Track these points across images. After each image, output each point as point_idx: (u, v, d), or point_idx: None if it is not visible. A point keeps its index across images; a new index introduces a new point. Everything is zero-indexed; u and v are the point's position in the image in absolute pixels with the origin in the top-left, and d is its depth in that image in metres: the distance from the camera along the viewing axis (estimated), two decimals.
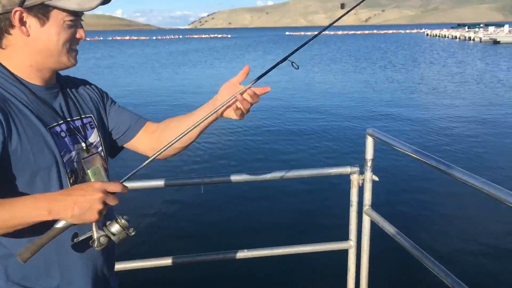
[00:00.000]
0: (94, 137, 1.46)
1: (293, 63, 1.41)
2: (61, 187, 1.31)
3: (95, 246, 1.25)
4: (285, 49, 63.82)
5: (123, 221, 1.25)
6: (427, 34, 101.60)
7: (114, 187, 1.18)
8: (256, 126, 12.88)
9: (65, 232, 1.22)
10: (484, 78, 24.30)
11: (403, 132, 11.90)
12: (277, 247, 2.66)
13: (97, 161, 1.43)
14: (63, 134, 1.36)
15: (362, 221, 2.70)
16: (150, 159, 1.32)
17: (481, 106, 16.17)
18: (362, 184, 2.59)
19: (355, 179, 2.58)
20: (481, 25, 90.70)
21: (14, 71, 1.32)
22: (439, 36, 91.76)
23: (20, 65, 1.32)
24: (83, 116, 1.46)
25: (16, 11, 1.25)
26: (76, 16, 1.33)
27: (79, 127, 1.43)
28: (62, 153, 1.33)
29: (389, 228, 2.47)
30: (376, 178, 2.58)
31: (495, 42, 58.77)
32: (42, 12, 1.27)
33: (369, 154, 2.58)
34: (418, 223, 6.41)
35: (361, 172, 2.58)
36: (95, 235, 1.25)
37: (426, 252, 2.18)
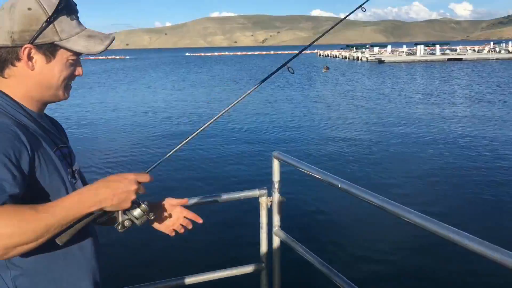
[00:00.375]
0: (76, 164, 1.53)
1: (290, 68, 1.79)
2: None
3: (119, 228, 1.34)
4: (187, 69, 63.66)
5: (143, 205, 1.36)
6: (320, 55, 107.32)
7: (144, 178, 1.32)
8: (160, 154, 12.66)
9: (72, 247, 1.34)
10: (373, 95, 26.25)
11: (307, 152, 12.39)
12: (187, 276, 2.57)
13: (81, 186, 1.49)
14: (61, 158, 1.42)
15: (272, 243, 2.74)
16: (171, 152, 1.53)
17: (372, 120, 17.40)
18: (271, 206, 2.63)
19: (263, 201, 2.61)
20: (367, 46, 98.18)
21: (18, 99, 1.37)
22: (330, 56, 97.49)
23: (21, 95, 1.37)
24: (66, 145, 1.52)
25: (26, 48, 1.31)
26: (79, 56, 1.42)
27: (68, 153, 1.49)
28: (67, 176, 1.40)
29: (298, 247, 2.53)
30: (284, 199, 2.64)
31: (380, 62, 63.82)
32: (50, 50, 1.34)
33: (276, 176, 2.64)
34: (325, 240, 6.69)
35: (269, 194, 2.63)
36: (120, 219, 1.34)
37: (333, 268, 2.27)
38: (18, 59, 1.33)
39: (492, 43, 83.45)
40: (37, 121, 1.39)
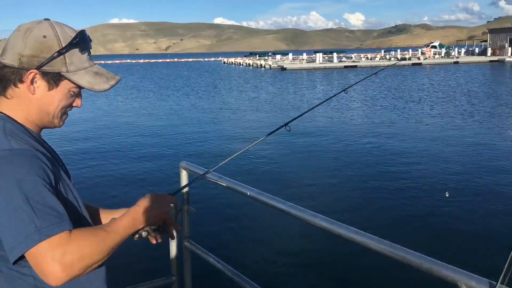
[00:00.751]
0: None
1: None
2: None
3: (135, 237, 1.47)
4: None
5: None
6: (224, 62, 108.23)
7: (176, 200, 1.56)
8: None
9: None
10: (277, 101, 27.03)
11: (215, 160, 12.40)
12: None
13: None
14: (67, 174, 1.48)
15: (183, 254, 2.71)
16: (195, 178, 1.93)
17: (276, 126, 17.87)
18: (180, 217, 2.59)
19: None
20: (270, 54, 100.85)
21: (21, 122, 1.38)
22: (234, 63, 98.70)
23: (24, 118, 1.39)
24: (62, 162, 1.54)
25: (31, 72, 1.34)
26: (82, 89, 1.44)
27: (66, 170, 1.52)
28: (76, 191, 1.46)
29: (208, 257, 2.52)
30: (193, 210, 2.62)
31: (283, 69, 65.85)
32: (54, 79, 1.37)
33: (184, 187, 2.61)
34: (236, 248, 6.73)
35: (178, 206, 2.59)
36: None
37: (245, 275, 2.29)
38: (21, 81, 1.35)
39: (383, 51, 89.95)
40: (41, 143, 1.42)
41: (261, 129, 17.61)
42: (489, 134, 15.14)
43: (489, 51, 77.27)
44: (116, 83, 1.47)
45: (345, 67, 66.75)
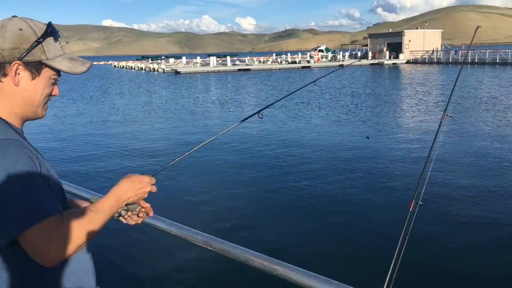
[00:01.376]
0: None
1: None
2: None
3: (115, 216, 1.53)
4: None
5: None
6: (115, 66, 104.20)
7: (154, 180, 1.58)
8: None
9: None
10: (170, 106, 26.49)
11: (99, 171, 11.67)
12: None
13: None
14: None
15: None
16: (175, 160, 1.93)
17: (170, 131, 17.46)
18: None
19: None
20: (163, 57, 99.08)
21: (3, 117, 1.43)
22: (126, 67, 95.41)
23: (6, 112, 1.44)
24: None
25: (15, 64, 1.40)
26: (60, 75, 1.52)
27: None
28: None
29: None
30: None
31: (177, 72, 64.96)
32: (36, 68, 1.44)
33: None
34: (127, 274, 6.29)
35: None
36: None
37: None
38: (5, 75, 1.41)
39: (274, 54, 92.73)
40: (24, 137, 1.48)
41: (153, 135, 17.06)
42: (373, 132, 16.14)
43: (370, 54, 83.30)
44: (90, 67, 1.55)
45: (239, 70, 67.72)
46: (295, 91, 3.45)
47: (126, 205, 1.52)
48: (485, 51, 68.16)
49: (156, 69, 74.39)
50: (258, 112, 2.55)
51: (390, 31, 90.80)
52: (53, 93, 1.54)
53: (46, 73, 1.46)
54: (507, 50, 64.27)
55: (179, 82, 47.49)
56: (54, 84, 1.52)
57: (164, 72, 69.01)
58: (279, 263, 1.65)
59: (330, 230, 7.49)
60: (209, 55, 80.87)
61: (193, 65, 76.05)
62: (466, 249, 6.59)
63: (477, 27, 4.72)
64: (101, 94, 35.91)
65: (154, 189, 1.57)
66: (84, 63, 1.54)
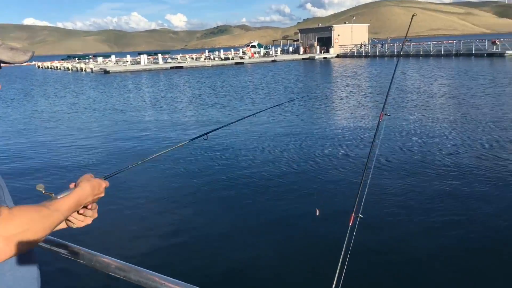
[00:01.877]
0: None
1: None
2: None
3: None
4: None
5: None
6: (39, 67, 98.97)
7: (108, 184, 1.56)
8: None
9: (19, 258, 1.35)
10: (99, 106, 25.35)
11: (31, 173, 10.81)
12: None
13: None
14: None
15: None
16: (128, 167, 1.85)
17: (98, 133, 16.63)
18: None
19: None
20: (91, 56, 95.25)
21: None
22: (51, 68, 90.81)
23: None
24: None
25: None
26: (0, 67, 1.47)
27: None
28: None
29: None
30: None
31: (106, 72, 62.61)
32: None
33: None
34: None
35: None
36: None
37: None
38: None
39: (207, 51, 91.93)
40: None
41: (82, 138, 16.17)
42: (307, 126, 16.23)
43: (301, 49, 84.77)
44: (33, 55, 1.50)
45: (171, 68, 66.48)
46: (239, 120, 3.28)
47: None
48: (409, 44, 71.41)
49: (83, 68, 71.36)
50: (206, 134, 2.60)
51: (319, 26, 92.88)
52: None
53: None
54: (429, 43, 67.69)
55: (109, 82, 45.74)
56: None
57: (92, 72, 66.34)
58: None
59: (267, 248, 6.68)
60: (140, 53, 78.69)
61: (123, 64, 73.67)
62: (412, 259, 6.09)
63: (413, 15, 4.67)
64: (22, 97, 33.76)
65: (103, 194, 1.56)
66: (26, 52, 1.48)
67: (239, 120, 3.49)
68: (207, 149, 12.77)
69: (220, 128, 3.11)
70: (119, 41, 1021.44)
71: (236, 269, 6.03)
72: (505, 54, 53.59)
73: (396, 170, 10.03)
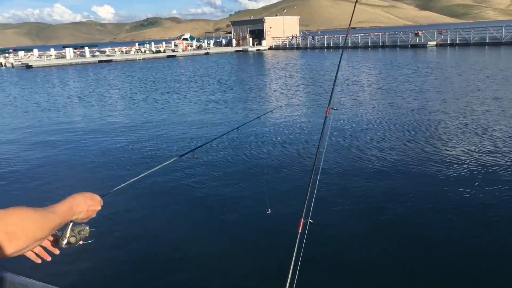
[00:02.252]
0: None
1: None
2: None
3: (64, 244, 1.50)
4: None
5: (87, 229, 1.57)
6: None
7: (102, 202, 1.58)
8: None
9: None
10: (21, 103, 23.84)
11: None
12: None
13: None
14: None
15: None
16: (124, 184, 1.97)
17: (21, 133, 15.61)
18: None
19: None
20: (11, 50, 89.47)
21: None
22: None
23: None
24: None
25: None
26: None
27: None
28: None
29: None
30: None
31: (28, 67, 59.10)
32: None
33: None
34: None
35: None
36: (68, 234, 1.50)
37: None
38: None
39: (137, 44, 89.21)
40: None
41: (5, 140, 15.07)
42: (242, 118, 16.13)
43: (234, 42, 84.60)
44: None
45: (100, 61, 63.98)
46: (219, 136, 3.08)
47: (75, 228, 1.52)
48: (338, 36, 73.41)
49: (3, 63, 66.93)
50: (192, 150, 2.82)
51: (251, 18, 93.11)
52: None
53: None
54: (356, 35, 69.91)
55: (32, 77, 43.17)
56: None
57: (13, 67, 62.44)
58: None
59: (218, 253, 6.22)
60: (65, 47, 75.00)
61: (47, 58, 69.93)
62: (364, 261, 5.79)
63: (356, 1, 4.60)
64: None
65: (99, 208, 1.57)
66: None
67: (224, 134, 3.35)
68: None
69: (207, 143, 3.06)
70: (41, 34, 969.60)
71: (186, 276, 5.80)
72: (427, 45, 56.54)
73: (340, 168, 9.46)
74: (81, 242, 1.54)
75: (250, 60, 56.37)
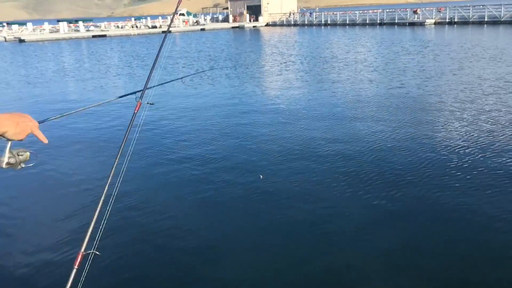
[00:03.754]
0: None
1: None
2: None
3: (4, 165, 1.59)
4: None
5: (28, 153, 1.66)
6: None
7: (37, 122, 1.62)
8: None
9: None
10: (13, 78, 23.68)
11: None
12: None
13: None
14: None
15: None
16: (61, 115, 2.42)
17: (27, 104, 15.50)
18: None
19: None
20: (4, 24, 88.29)
21: None
22: None
23: None
24: None
25: None
26: None
27: None
28: None
29: None
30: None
31: (21, 41, 58.43)
32: None
33: None
34: None
35: None
36: (7, 155, 1.59)
37: None
38: None
39: (133, 19, 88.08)
40: None
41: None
42: (234, 93, 16.02)
43: (231, 18, 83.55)
44: None
45: (94, 36, 63.34)
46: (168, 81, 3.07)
47: (13, 150, 1.58)
48: (336, 13, 72.51)
49: None
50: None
51: None
52: None
53: None
54: (355, 12, 69.07)
55: (24, 51, 42.74)
56: None
57: (6, 41, 61.77)
58: None
59: None
60: (59, 21, 74.02)
61: (40, 32, 69.10)
62: None
63: None
64: None
65: (42, 137, 1.60)
66: None
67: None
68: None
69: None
70: (39, 7, 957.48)
71: None
72: (425, 23, 55.90)
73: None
74: (23, 165, 1.62)
75: (246, 36, 55.70)
